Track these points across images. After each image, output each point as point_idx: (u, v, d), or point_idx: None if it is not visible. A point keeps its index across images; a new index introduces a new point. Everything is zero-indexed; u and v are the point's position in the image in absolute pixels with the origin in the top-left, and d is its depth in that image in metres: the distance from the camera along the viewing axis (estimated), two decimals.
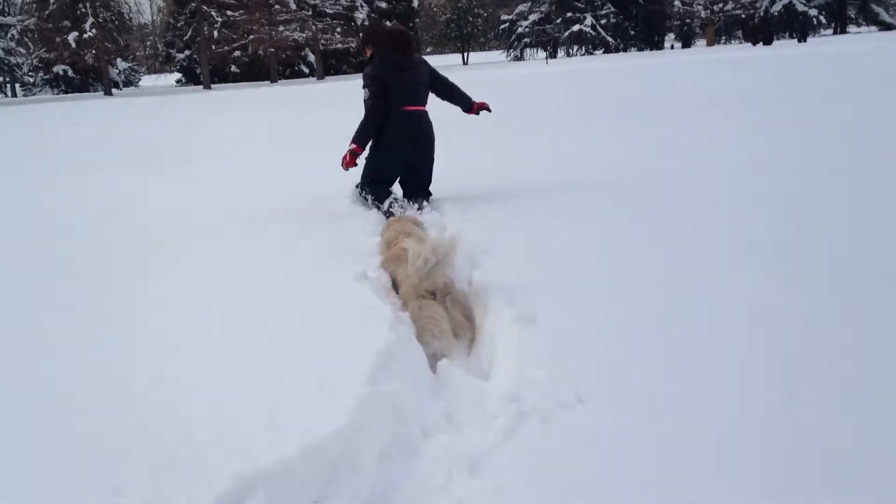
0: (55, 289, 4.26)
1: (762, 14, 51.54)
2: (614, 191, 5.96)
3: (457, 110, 6.40)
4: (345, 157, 5.86)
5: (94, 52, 45.20)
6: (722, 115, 10.46)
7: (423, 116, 6.05)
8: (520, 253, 4.28)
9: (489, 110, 6.43)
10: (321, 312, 3.42)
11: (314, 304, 3.56)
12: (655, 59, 35.03)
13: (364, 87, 5.98)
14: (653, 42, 58.93)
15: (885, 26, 53.30)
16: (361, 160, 6.03)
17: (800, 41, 42.33)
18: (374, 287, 3.77)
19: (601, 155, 7.94)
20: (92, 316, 3.69)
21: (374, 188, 6.06)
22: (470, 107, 6.34)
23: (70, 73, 51.98)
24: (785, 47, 35.25)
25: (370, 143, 6.04)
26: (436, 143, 6.11)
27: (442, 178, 6.30)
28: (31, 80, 56.71)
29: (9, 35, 45.00)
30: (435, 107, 6.09)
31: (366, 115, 5.91)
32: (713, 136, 8.59)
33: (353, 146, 5.86)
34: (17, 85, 57.64)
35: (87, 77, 52.67)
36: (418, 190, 6.09)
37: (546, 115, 12.93)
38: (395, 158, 6.05)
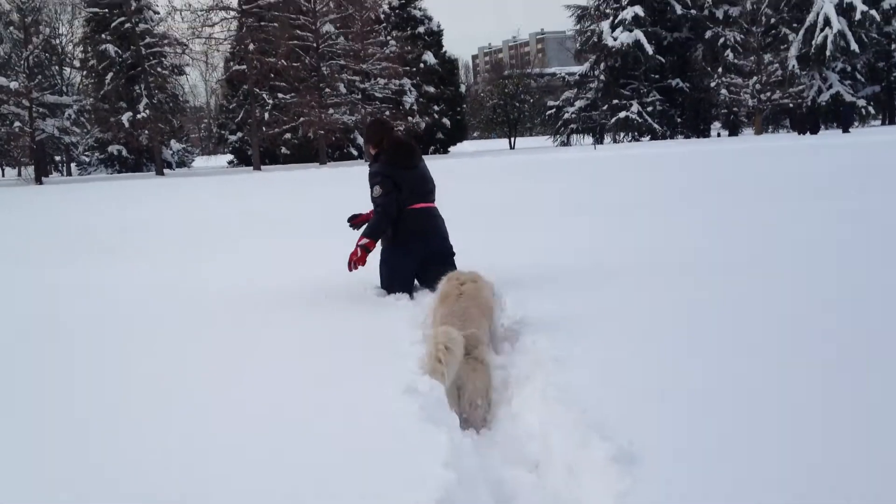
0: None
1: (809, 104, 51.08)
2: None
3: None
4: (354, 254, 5.82)
5: (147, 132, 46.10)
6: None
7: (432, 212, 6.07)
8: None
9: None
10: (358, 449, 2.88)
11: (350, 433, 3.04)
12: (702, 145, 34.66)
13: (374, 184, 5.91)
14: (699, 130, 58.75)
15: None
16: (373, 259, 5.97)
17: (844, 131, 42.01)
18: (425, 403, 3.27)
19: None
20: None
21: (398, 287, 5.94)
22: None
23: (124, 152, 52.98)
24: (831, 137, 34.80)
25: (382, 247, 6.05)
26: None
27: None
28: (87, 159, 57.97)
29: (66, 115, 46.13)
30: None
31: (381, 212, 5.87)
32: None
33: (366, 241, 5.84)
34: (73, 164, 59.17)
35: (141, 157, 53.58)
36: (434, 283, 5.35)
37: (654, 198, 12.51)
38: (406, 255, 5.95)
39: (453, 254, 6.11)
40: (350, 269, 5.87)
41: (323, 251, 7.75)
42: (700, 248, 7.50)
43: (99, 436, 3.28)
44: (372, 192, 5.95)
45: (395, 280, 5.98)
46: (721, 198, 12.17)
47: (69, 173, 58.11)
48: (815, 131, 45.95)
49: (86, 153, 57.68)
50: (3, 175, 62.93)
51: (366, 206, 6.38)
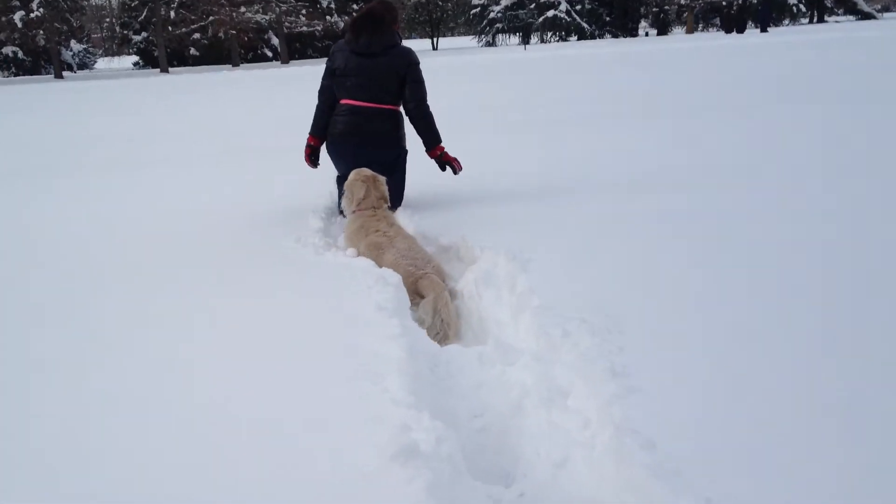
0: None
1: (740, 2, 50.32)
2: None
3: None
4: (305, 151, 5.36)
5: (42, 32, 42.53)
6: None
7: (375, 117, 5.09)
8: None
9: (456, 171, 5.27)
10: None
11: None
12: (639, 46, 33.56)
13: None
14: (627, 29, 57.57)
15: (864, 15, 52.52)
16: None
17: (762, 31, 41.62)
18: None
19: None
20: None
21: (339, 187, 5.23)
22: (434, 148, 5.24)
23: (20, 54, 49.15)
24: (751, 37, 34.24)
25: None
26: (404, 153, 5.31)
27: None
28: None
29: None
30: None
31: (317, 100, 5.29)
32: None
33: (308, 137, 5.34)
34: None
35: (39, 59, 49.83)
36: None
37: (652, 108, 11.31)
38: (337, 157, 5.29)
39: (401, 166, 5.24)
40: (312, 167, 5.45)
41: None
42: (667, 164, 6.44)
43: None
44: None
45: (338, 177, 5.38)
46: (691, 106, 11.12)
47: None
48: (741, 30, 45.28)
49: None
50: None
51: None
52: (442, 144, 5.23)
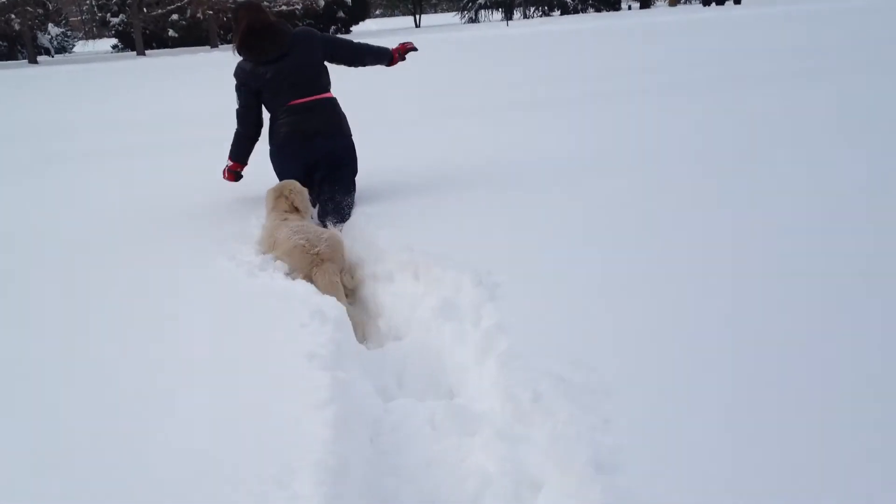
0: None
1: None
2: None
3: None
4: (223, 172, 5.15)
5: (15, 17, 41.43)
6: None
7: (316, 107, 4.93)
8: None
9: (414, 48, 5.35)
10: None
11: None
12: (624, 20, 32.81)
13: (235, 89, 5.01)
14: (609, 3, 56.65)
15: None
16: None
17: (735, 2, 40.99)
18: None
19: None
20: None
21: None
22: (391, 58, 5.30)
23: None
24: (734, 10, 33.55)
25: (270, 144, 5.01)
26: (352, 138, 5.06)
27: None
28: None
29: None
30: None
31: (237, 129, 5.07)
32: None
33: (230, 162, 5.12)
34: None
35: (14, 44, 48.63)
36: (326, 204, 4.78)
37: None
38: (285, 162, 4.96)
39: (349, 156, 5.02)
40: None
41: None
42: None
43: None
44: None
45: None
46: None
47: None
48: (721, 2, 44.56)
49: None
50: None
51: None
52: (392, 48, 5.28)
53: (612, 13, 50.14)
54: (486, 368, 2.71)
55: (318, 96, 4.94)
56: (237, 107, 4.98)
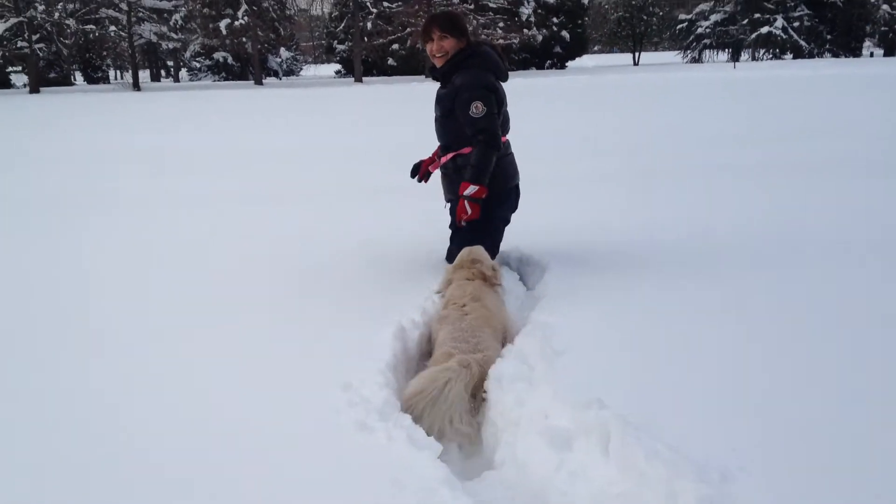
0: None
1: None
2: None
3: None
4: (461, 209, 4.10)
5: (246, 40, 44.21)
6: None
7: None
8: None
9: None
10: None
11: None
12: (868, 67, 29.66)
13: (473, 99, 4.09)
14: (849, 48, 52.18)
15: None
16: None
17: None
18: None
19: None
20: None
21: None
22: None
23: (230, 59, 51.43)
24: None
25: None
26: None
27: None
28: (198, 65, 56.71)
29: (172, 20, 44.56)
30: None
31: (486, 141, 4.10)
32: None
33: (474, 188, 4.08)
34: (185, 70, 58.09)
35: (247, 65, 51.94)
36: None
37: None
38: (501, 207, 4.36)
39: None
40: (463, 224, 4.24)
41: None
42: None
43: None
44: (467, 110, 4.09)
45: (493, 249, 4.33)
46: None
47: (177, 79, 57.31)
48: None
49: (196, 59, 56.30)
50: (120, 78, 62.32)
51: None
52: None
53: (851, 59, 46.11)
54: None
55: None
56: (482, 119, 4.08)
